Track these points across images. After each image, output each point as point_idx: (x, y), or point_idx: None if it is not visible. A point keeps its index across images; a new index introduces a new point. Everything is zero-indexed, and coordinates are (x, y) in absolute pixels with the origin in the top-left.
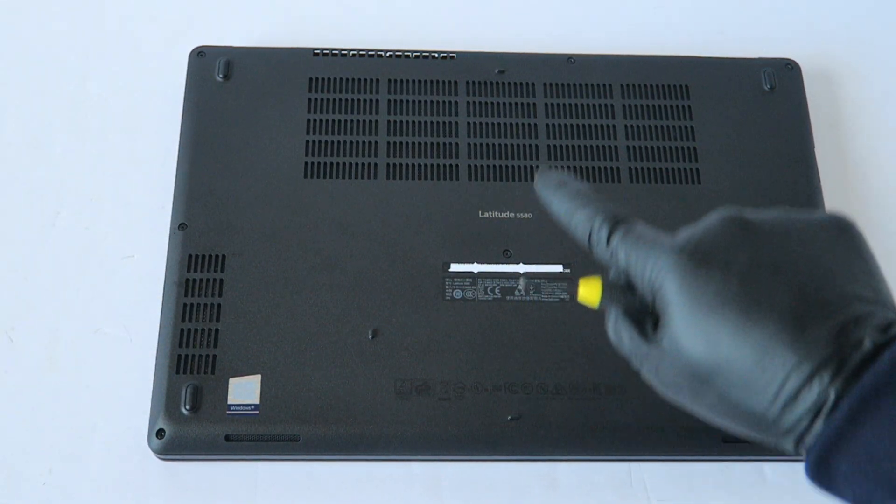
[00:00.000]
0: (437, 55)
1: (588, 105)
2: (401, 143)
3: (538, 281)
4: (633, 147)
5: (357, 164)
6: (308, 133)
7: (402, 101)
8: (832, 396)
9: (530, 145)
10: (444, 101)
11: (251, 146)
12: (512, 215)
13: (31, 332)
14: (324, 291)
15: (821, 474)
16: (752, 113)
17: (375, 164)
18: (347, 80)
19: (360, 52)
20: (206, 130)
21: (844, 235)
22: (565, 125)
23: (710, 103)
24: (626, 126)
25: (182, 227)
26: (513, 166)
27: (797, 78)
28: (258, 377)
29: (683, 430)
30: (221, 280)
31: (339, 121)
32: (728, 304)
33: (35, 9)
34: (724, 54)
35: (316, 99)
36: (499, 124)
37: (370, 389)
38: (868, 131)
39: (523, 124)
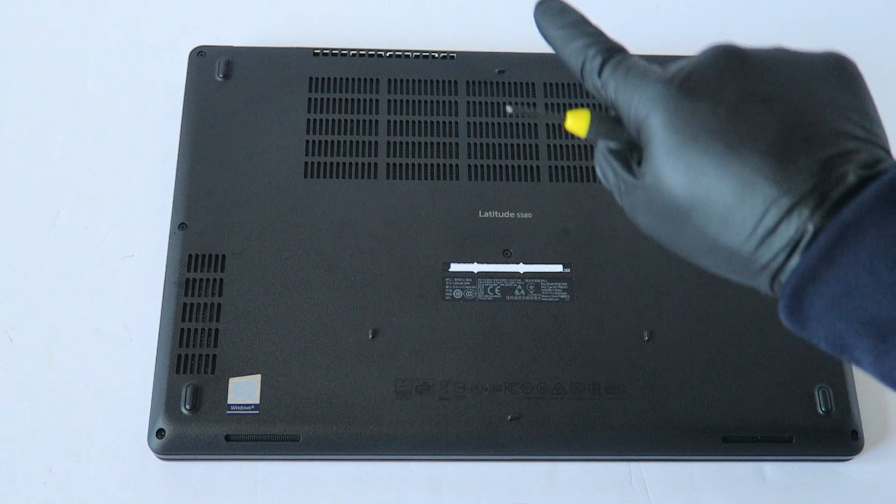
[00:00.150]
0: (437, 55)
1: (588, 105)
2: (401, 143)
3: (538, 281)
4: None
5: (357, 164)
6: (308, 133)
7: (402, 100)
8: (810, 230)
9: (530, 145)
10: (444, 101)
11: (251, 146)
12: (512, 215)
13: (31, 332)
14: (324, 291)
15: (795, 313)
16: None
17: (375, 164)
18: (347, 80)
19: (360, 52)
20: (206, 130)
21: (841, 73)
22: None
23: None
24: None
25: (182, 226)
26: (513, 166)
27: None
28: (258, 377)
29: (683, 430)
30: (221, 280)
31: (339, 121)
32: (712, 135)
33: (35, 9)
34: None
35: (316, 99)
36: (499, 124)
37: (370, 389)
38: None
39: (523, 124)
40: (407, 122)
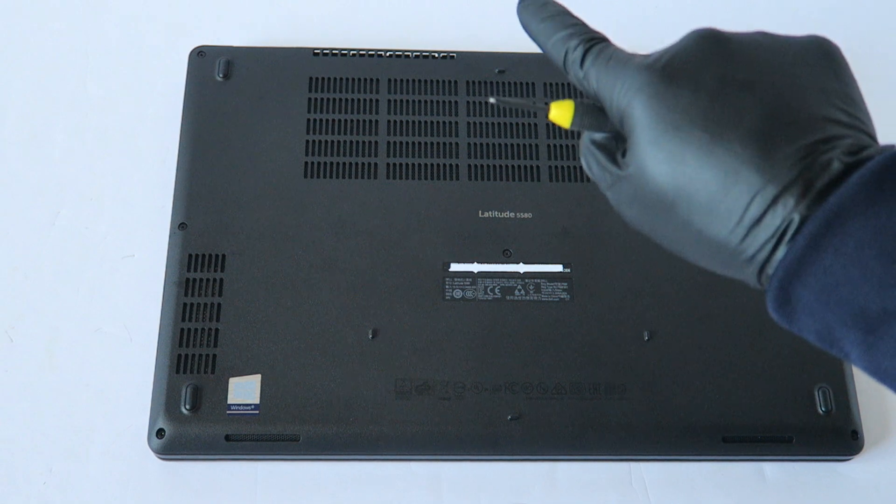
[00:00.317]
0: (437, 55)
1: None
2: (401, 142)
3: (538, 281)
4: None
5: (357, 163)
6: (308, 133)
7: (402, 100)
8: (796, 220)
9: (530, 145)
10: (444, 101)
11: (251, 146)
12: (512, 215)
13: (31, 332)
14: (324, 291)
15: (783, 305)
16: None
17: (375, 164)
18: (347, 80)
19: (360, 52)
20: (206, 130)
21: (825, 57)
22: None
23: None
24: None
25: (182, 226)
26: (513, 166)
27: None
28: (258, 377)
29: (683, 430)
30: (221, 280)
31: (339, 121)
32: (695, 122)
33: (35, 9)
34: None
35: (316, 99)
36: (499, 124)
37: (370, 389)
38: None
39: (523, 124)
40: (407, 122)
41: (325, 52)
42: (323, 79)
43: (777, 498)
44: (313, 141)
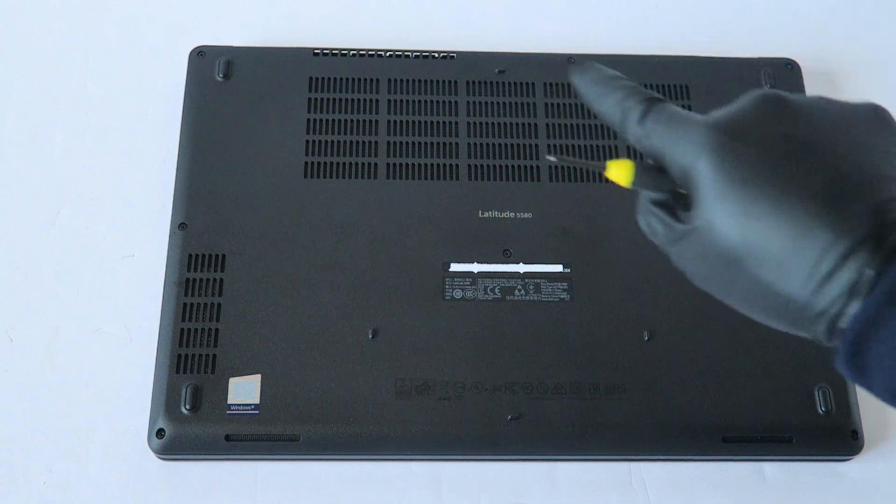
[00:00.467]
0: (437, 55)
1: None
2: (401, 143)
3: (538, 281)
4: (634, 147)
5: (357, 164)
6: (308, 133)
7: (402, 101)
8: (869, 275)
9: (530, 145)
10: (444, 101)
11: (251, 146)
12: (512, 215)
13: (31, 332)
14: (324, 291)
15: (855, 360)
16: None
17: (375, 164)
18: (347, 80)
19: (360, 52)
20: (206, 130)
21: (879, 120)
22: (565, 125)
23: (710, 103)
24: None
25: (182, 226)
26: (513, 166)
27: (797, 78)
28: (258, 377)
29: (683, 430)
30: (221, 280)
31: (339, 121)
32: (764, 177)
33: (35, 9)
34: (724, 54)
35: (316, 99)
36: (499, 124)
37: (370, 389)
38: None
39: (523, 124)
40: (407, 122)
41: (325, 52)
42: (323, 79)
43: (777, 498)
44: (313, 141)
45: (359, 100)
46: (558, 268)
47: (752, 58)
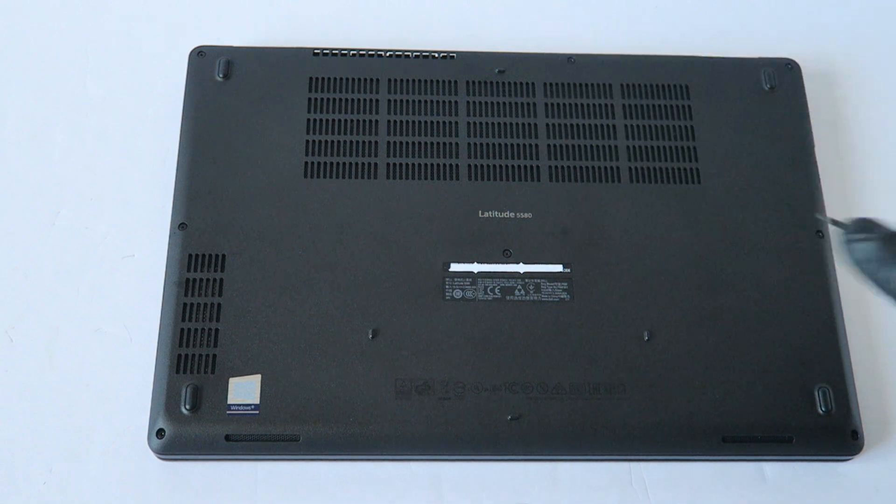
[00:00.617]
0: (437, 55)
1: (588, 105)
2: (401, 143)
3: (538, 281)
4: (633, 147)
5: (357, 164)
6: (308, 133)
7: (402, 101)
8: None
9: (530, 145)
10: (444, 101)
11: (251, 146)
12: (512, 215)
13: (31, 332)
14: (324, 291)
15: None
16: (752, 113)
17: (375, 164)
18: (347, 80)
19: (360, 52)
20: (206, 130)
21: None
22: (565, 125)
23: (710, 103)
24: (626, 126)
25: (182, 226)
26: (513, 166)
27: (797, 78)
28: (258, 377)
29: (683, 430)
30: (221, 280)
31: (339, 121)
32: None
33: (35, 9)
34: (724, 54)
35: (316, 99)
36: (499, 124)
37: (370, 389)
38: (868, 131)
39: (523, 124)
40: (407, 122)
41: (325, 52)
42: (323, 79)
43: (777, 498)
44: (313, 141)
45: (359, 100)
46: (558, 268)
47: (752, 58)
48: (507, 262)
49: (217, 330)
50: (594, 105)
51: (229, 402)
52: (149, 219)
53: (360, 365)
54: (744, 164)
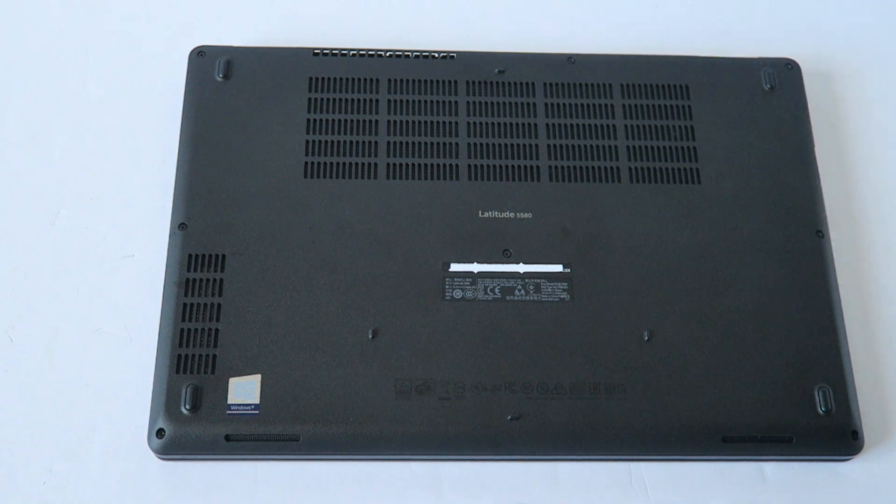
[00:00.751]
0: (437, 55)
1: (588, 105)
2: (401, 143)
3: (538, 281)
4: (633, 147)
5: (357, 164)
6: (308, 133)
7: (402, 101)
8: None
9: (530, 145)
10: (444, 101)
11: (251, 146)
12: (512, 215)
13: (31, 332)
14: (324, 291)
15: None
16: (752, 113)
17: (375, 164)
18: (347, 80)
19: (360, 52)
20: (206, 130)
21: None
22: (565, 125)
23: (710, 103)
24: (626, 126)
25: (182, 226)
26: (513, 166)
27: (797, 78)
28: (258, 377)
29: (683, 430)
30: (221, 280)
31: (339, 121)
32: None
33: (35, 9)
34: (724, 54)
35: (316, 99)
36: (499, 124)
37: (370, 389)
38: (868, 131)
39: (523, 124)
40: (407, 122)
41: (325, 52)
42: (323, 79)
43: (777, 498)
44: (313, 141)
45: (359, 100)
46: (558, 268)
47: (752, 58)
48: (507, 262)
49: (217, 330)
50: (594, 105)
51: (229, 402)
52: (149, 219)
53: (360, 365)
54: (744, 164)
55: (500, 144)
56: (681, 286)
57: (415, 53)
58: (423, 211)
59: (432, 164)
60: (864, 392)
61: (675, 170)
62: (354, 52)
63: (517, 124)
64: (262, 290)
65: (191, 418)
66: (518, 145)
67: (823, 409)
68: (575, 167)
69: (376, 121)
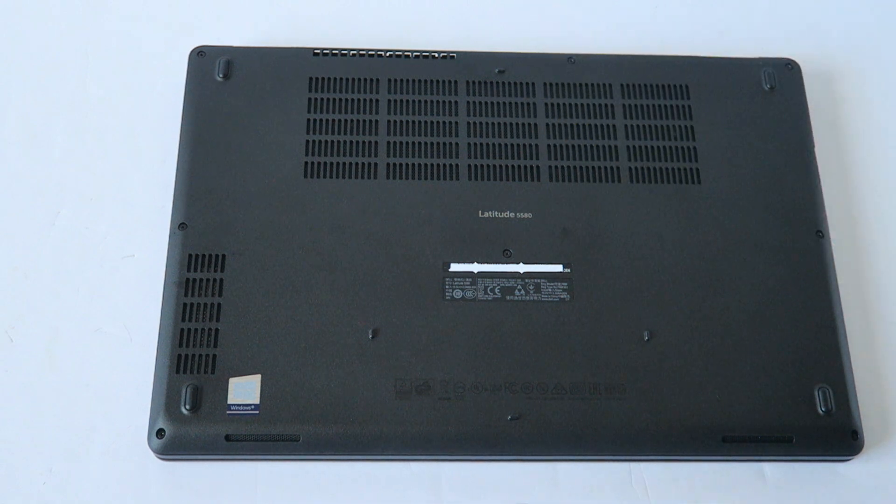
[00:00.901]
0: (437, 55)
1: (588, 105)
2: (401, 143)
3: (538, 281)
4: (633, 147)
5: (357, 164)
6: (308, 133)
7: (402, 101)
8: None
9: (530, 145)
10: (444, 101)
11: (251, 146)
12: (512, 215)
13: (31, 332)
14: (324, 291)
15: None
16: (752, 113)
17: (375, 164)
18: (347, 80)
19: (360, 52)
20: (206, 130)
21: None
22: (565, 125)
23: (710, 103)
24: (626, 126)
25: (182, 226)
26: (513, 166)
27: (797, 78)
28: (258, 377)
29: (683, 430)
30: (221, 280)
31: (339, 121)
32: None
33: (35, 9)
34: (724, 54)
35: (316, 99)
36: (499, 124)
37: (370, 389)
38: (868, 131)
39: (523, 124)
40: (407, 122)
41: (325, 52)
42: (323, 79)
43: (777, 498)
44: (313, 141)
45: (359, 100)
46: (558, 268)
47: (752, 58)
48: (507, 262)
49: (217, 330)
50: (594, 105)
51: (229, 402)
52: (149, 219)
53: (360, 365)
54: (744, 164)
55: (500, 144)
56: (681, 286)
57: (415, 53)
58: (423, 211)
59: (432, 164)
60: (864, 392)
61: (675, 170)
62: (354, 52)
63: (517, 124)
64: (262, 290)
65: (191, 418)
66: (518, 145)
67: (823, 409)
68: (575, 167)
69: (376, 121)
